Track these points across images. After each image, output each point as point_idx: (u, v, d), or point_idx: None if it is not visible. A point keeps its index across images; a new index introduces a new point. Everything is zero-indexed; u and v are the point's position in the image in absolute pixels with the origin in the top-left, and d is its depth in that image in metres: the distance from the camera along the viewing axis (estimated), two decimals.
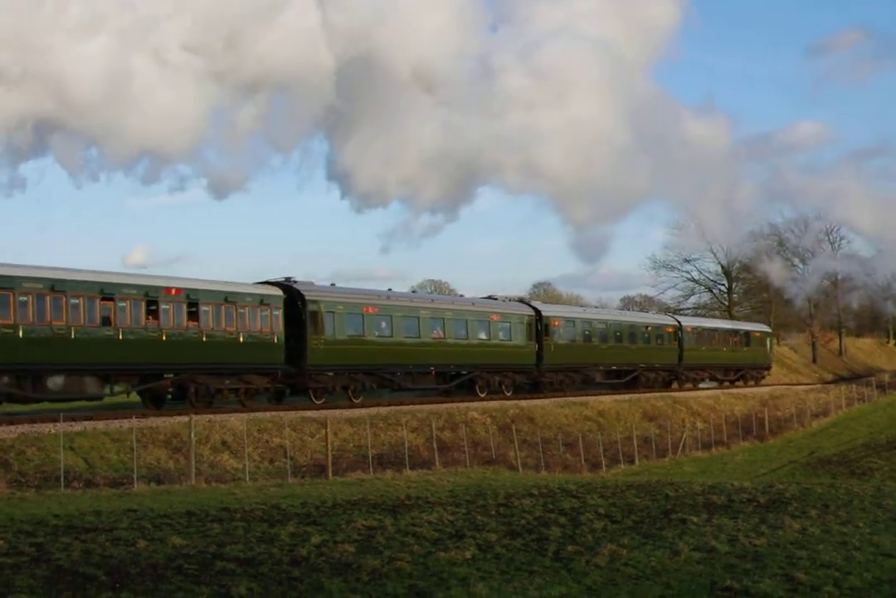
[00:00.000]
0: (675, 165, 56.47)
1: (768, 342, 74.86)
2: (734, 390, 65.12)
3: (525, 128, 46.68)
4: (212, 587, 11.19)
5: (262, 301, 35.55)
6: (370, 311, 39.71)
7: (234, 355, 34.36)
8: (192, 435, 24.84)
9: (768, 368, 75.19)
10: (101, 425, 27.98)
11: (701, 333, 65.10)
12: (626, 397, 52.54)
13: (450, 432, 35.87)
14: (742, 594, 11.65)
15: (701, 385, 65.50)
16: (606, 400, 49.55)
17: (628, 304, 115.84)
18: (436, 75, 42.99)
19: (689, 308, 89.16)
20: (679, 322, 63.19)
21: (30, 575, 11.51)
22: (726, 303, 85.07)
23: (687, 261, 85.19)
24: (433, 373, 43.23)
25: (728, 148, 69.47)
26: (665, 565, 13.22)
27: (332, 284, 40.70)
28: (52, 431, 25.80)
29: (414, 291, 45.49)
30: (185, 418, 26.99)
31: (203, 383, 33.49)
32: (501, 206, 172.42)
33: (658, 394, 55.93)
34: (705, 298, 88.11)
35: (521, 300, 52.39)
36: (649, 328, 59.43)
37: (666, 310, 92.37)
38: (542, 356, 48.93)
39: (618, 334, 56.10)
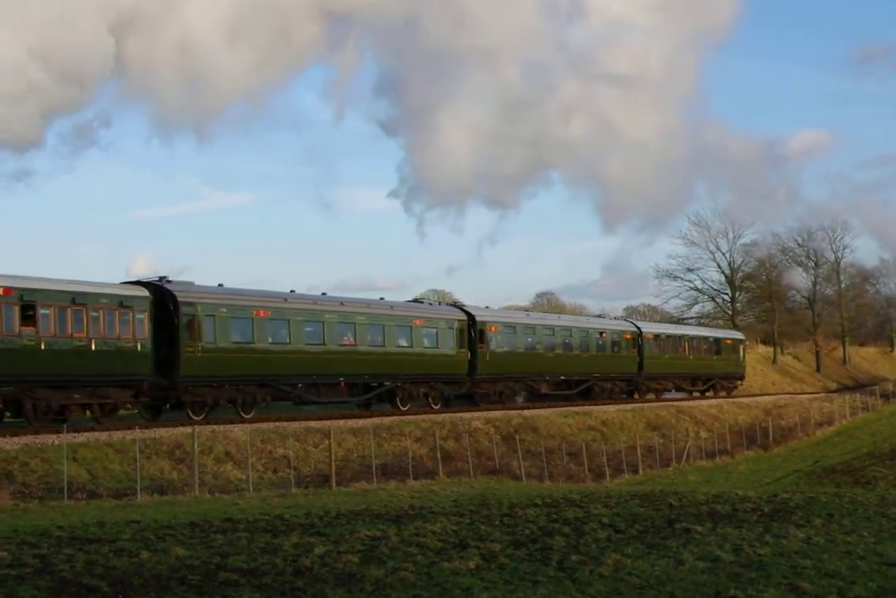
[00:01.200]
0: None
1: (741, 350, 71.21)
2: (737, 400, 65.05)
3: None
4: None
5: (122, 303, 31.02)
6: (262, 314, 35.22)
7: (82, 365, 29.87)
8: (196, 446, 24.85)
9: (741, 377, 71.60)
10: (104, 436, 27.98)
11: (664, 340, 61.25)
12: (630, 406, 52.52)
13: (453, 442, 35.86)
14: None
15: (666, 395, 62.11)
16: (610, 410, 49.51)
17: (631, 313, 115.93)
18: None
19: (692, 317, 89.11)
20: (639, 328, 59.60)
21: (33, 587, 11.49)
22: (730, 312, 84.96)
23: (690, 270, 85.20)
24: (342, 384, 38.86)
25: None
26: (669, 574, 13.19)
27: (220, 285, 35.58)
28: (56, 442, 25.81)
29: (324, 293, 40.61)
30: (188, 429, 27.03)
31: (42, 398, 28.90)
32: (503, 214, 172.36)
33: (662, 404, 55.92)
34: (709, 307, 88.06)
35: (453, 304, 48.34)
36: (604, 335, 54.99)
37: (669, 319, 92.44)
38: (476, 365, 44.59)
39: (567, 341, 51.78)
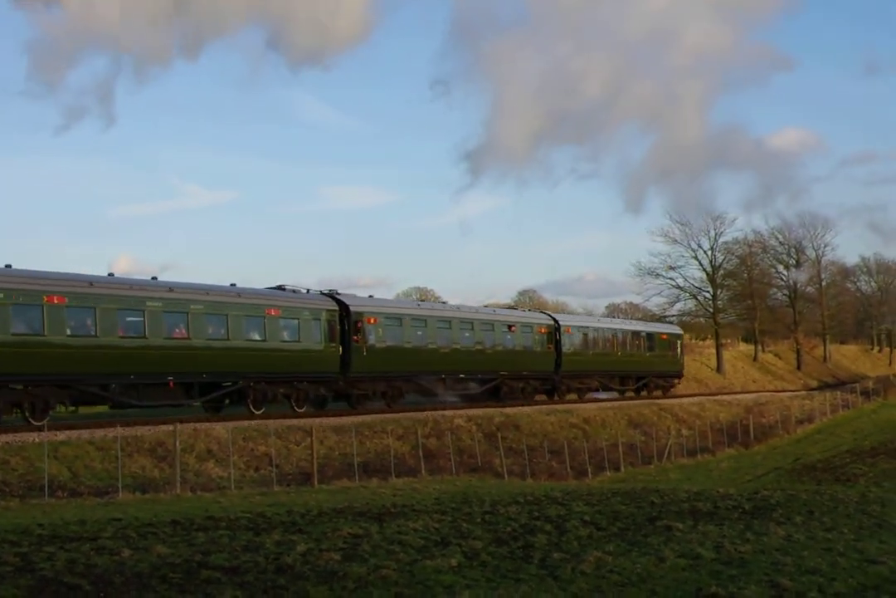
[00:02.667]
0: None
1: (679, 346, 66.09)
2: (719, 397, 65.27)
3: None
4: (197, 596, 11.15)
5: None
6: (57, 301, 29.08)
7: None
8: (177, 444, 24.78)
9: (679, 375, 66.71)
10: (85, 434, 27.88)
11: (587, 334, 55.98)
12: (611, 404, 52.62)
13: (435, 440, 35.86)
14: None
15: (596, 395, 57.12)
16: (592, 407, 49.61)
17: (613, 311, 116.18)
18: None
19: (674, 315, 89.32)
20: (556, 321, 53.77)
21: (14, 585, 11.45)
22: (711, 310, 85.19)
23: (672, 268, 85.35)
24: (171, 384, 32.64)
25: None
26: (650, 571, 13.23)
27: (8, 266, 29.19)
28: (36, 440, 25.70)
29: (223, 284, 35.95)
30: (169, 427, 26.94)
31: None
32: (489, 211, 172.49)
33: (643, 401, 56.04)
34: (690, 305, 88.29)
35: (327, 293, 41.21)
36: (513, 328, 49.50)
37: (651, 317, 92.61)
38: (350, 362, 39.26)
39: (468, 335, 46.26)
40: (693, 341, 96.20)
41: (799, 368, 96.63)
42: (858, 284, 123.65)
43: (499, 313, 50.85)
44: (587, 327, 56.79)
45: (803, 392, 76.68)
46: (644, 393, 61.95)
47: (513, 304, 56.23)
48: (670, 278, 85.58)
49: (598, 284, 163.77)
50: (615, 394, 59.23)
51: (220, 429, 30.14)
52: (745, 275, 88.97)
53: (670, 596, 11.89)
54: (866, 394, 72.78)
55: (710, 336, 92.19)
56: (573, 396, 55.36)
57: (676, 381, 66.13)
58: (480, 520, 18.14)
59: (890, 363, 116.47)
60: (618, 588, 12.23)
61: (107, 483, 24.13)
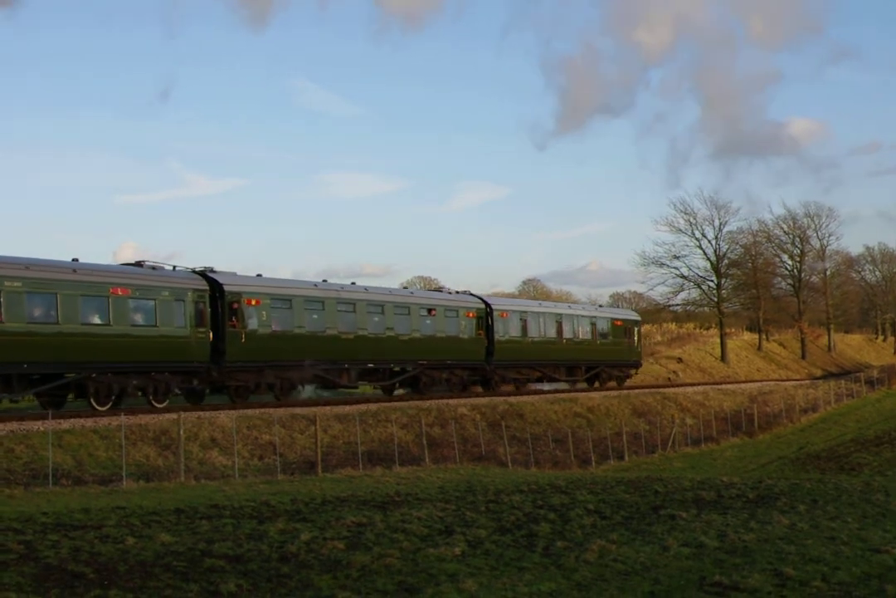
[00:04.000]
0: None
1: (636, 333, 60.27)
2: (723, 386, 65.21)
3: None
4: (200, 585, 11.16)
5: None
6: None
7: None
8: (181, 432, 24.79)
9: (637, 365, 61.15)
10: (89, 422, 27.90)
11: (525, 319, 49.98)
12: (615, 393, 52.59)
13: (439, 429, 35.87)
14: (731, 588, 11.67)
15: (539, 387, 52.51)
16: (596, 396, 49.57)
17: (617, 300, 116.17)
18: None
19: (678, 304, 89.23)
20: (488, 305, 47.73)
21: (18, 573, 11.46)
22: (715, 299, 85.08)
23: (676, 257, 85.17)
24: None
25: None
26: (654, 560, 13.24)
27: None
28: (41, 428, 25.73)
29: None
30: (174, 416, 26.95)
31: None
32: (490, 200, 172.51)
33: (647, 390, 55.99)
34: (694, 294, 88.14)
35: (198, 271, 35.19)
36: (434, 312, 43.94)
37: (655, 306, 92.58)
38: (225, 350, 34.17)
39: (377, 319, 40.98)
40: (697, 330, 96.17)
41: (803, 357, 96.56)
42: (863, 273, 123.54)
43: (416, 295, 45.80)
44: (526, 312, 50.70)
45: (807, 381, 76.62)
46: (598, 385, 56.91)
47: (442, 286, 48.64)
48: (674, 268, 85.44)
49: (603, 273, 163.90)
50: (563, 385, 54.06)
51: (224, 418, 30.16)
52: (750, 264, 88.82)
53: (674, 585, 11.89)
54: (870, 383, 72.73)
55: (714, 325, 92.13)
56: (512, 388, 50.42)
57: (634, 371, 60.96)
58: (484, 509, 18.15)
59: (894, 352, 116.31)
60: (621, 577, 12.23)
61: (111, 472, 24.15)
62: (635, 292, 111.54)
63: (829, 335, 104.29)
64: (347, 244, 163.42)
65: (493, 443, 35.82)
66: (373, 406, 37.07)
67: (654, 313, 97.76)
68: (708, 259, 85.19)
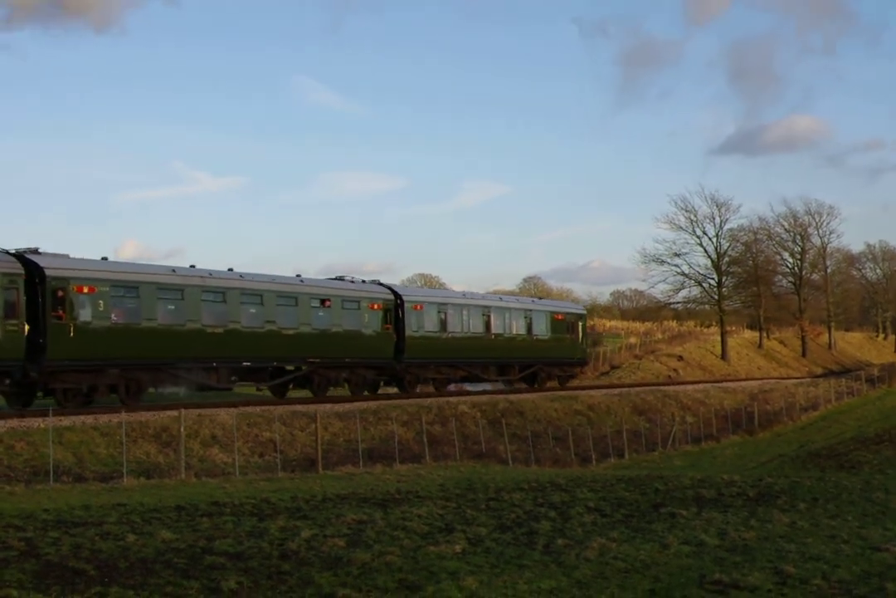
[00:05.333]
0: None
1: (580, 328, 54.49)
2: (724, 384, 65.21)
3: None
4: (201, 582, 11.17)
5: None
6: None
7: None
8: (182, 429, 24.80)
9: (582, 363, 56.17)
10: (89, 419, 27.92)
11: (444, 312, 44.54)
12: (616, 391, 52.58)
13: (440, 426, 35.87)
14: (731, 586, 11.67)
15: (466, 387, 48.49)
16: (596, 394, 49.57)
17: (618, 298, 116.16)
18: None
19: (678, 302, 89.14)
20: (398, 295, 42.33)
21: (19, 570, 11.47)
22: (716, 297, 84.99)
23: (677, 255, 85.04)
24: None
25: None
26: (654, 558, 13.24)
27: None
28: (41, 425, 25.77)
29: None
30: (174, 413, 26.97)
31: None
32: (493, 197, 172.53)
33: (648, 388, 55.98)
34: (695, 292, 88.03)
35: (14, 253, 30.07)
36: (328, 303, 38.70)
37: (655, 304, 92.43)
38: (46, 346, 29.33)
39: (253, 311, 35.86)
40: (698, 328, 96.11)
41: (804, 355, 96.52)
42: (864, 271, 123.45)
43: (307, 284, 39.21)
44: (445, 304, 45.05)
45: (808, 379, 76.54)
46: (553, 385, 52.73)
47: (345, 276, 42.25)
48: (675, 265, 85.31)
49: (605, 270, 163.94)
50: (497, 385, 49.63)
51: (225, 415, 30.18)
52: (751, 262, 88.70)
53: (674, 583, 11.90)
54: (871, 381, 72.65)
55: (714, 323, 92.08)
56: (432, 388, 45.64)
57: (579, 370, 56.30)
58: (485, 506, 18.16)
59: (895, 351, 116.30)
60: (622, 575, 12.24)
61: (111, 469, 24.18)
62: (636, 290, 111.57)
63: (829, 333, 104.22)
64: (349, 242, 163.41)
65: (494, 441, 35.83)
66: (373, 404, 37.08)
67: (655, 310, 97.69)
68: (709, 257, 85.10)
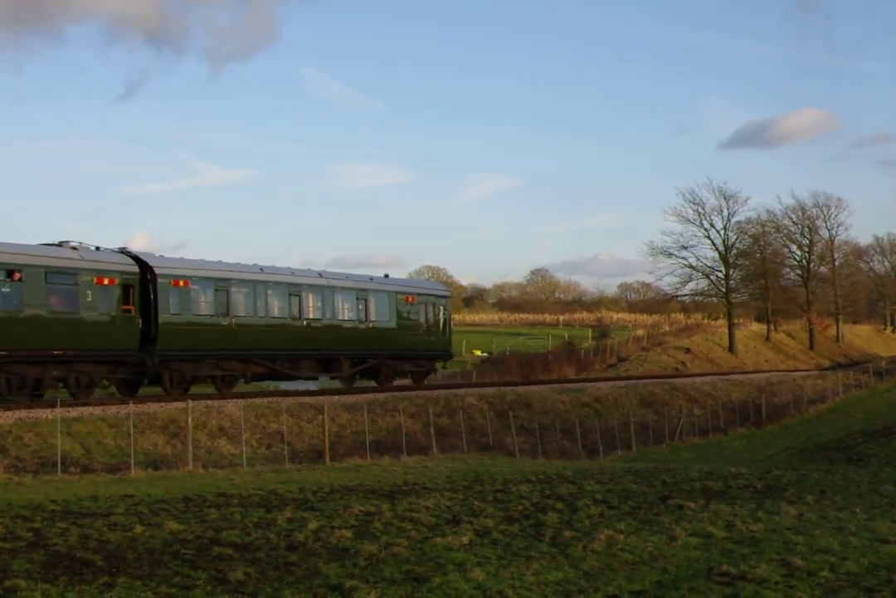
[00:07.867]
0: None
1: (441, 313, 44.00)
2: (732, 377, 65.11)
3: None
4: (208, 572, 11.17)
5: None
6: None
7: None
8: (190, 421, 24.84)
9: (445, 356, 44.81)
10: (98, 410, 27.97)
11: (226, 290, 34.36)
12: (623, 383, 52.55)
13: (447, 419, 35.89)
14: (739, 578, 11.65)
15: (286, 387, 40.17)
16: (604, 386, 49.55)
17: (625, 290, 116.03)
18: None
19: (686, 295, 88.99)
20: (147, 267, 31.87)
21: (27, 560, 11.49)
22: (724, 289, 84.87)
23: (684, 247, 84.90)
24: None
25: None
26: (662, 550, 13.22)
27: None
28: (50, 416, 25.81)
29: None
30: (182, 404, 27.00)
31: None
32: (501, 190, 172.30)
33: (655, 380, 55.94)
34: (703, 284, 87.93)
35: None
36: (17, 276, 27.88)
37: (662, 297, 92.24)
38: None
39: None
40: (705, 320, 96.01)
41: (812, 347, 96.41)
42: (872, 263, 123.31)
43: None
44: (227, 280, 34.60)
45: (815, 372, 76.48)
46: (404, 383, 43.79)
47: (69, 241, 31.06)
48: (683, 258, 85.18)
49: (613, 263, 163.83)
50: (343, 384, 41.25)
51: (232, 406, 30.21)
52: (758, 254, 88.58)
53: (682, 575, 11.88)
54: (879, 374, 72.53)
55: (722, 316, 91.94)
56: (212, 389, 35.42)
57: (439, 364, 45.27)
58: (492, 498, 18.15)
59: None
60: (629, 567, 12.22)
61: (119, 460, 24.22)
62: (644, 283, 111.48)
63: (837, 326, 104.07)
64: (358, 235, 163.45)
65: (501, 433, 35.84)
66: (380, 396, 37.10)
67: (663, 303, 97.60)
68: (716, 249, 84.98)
